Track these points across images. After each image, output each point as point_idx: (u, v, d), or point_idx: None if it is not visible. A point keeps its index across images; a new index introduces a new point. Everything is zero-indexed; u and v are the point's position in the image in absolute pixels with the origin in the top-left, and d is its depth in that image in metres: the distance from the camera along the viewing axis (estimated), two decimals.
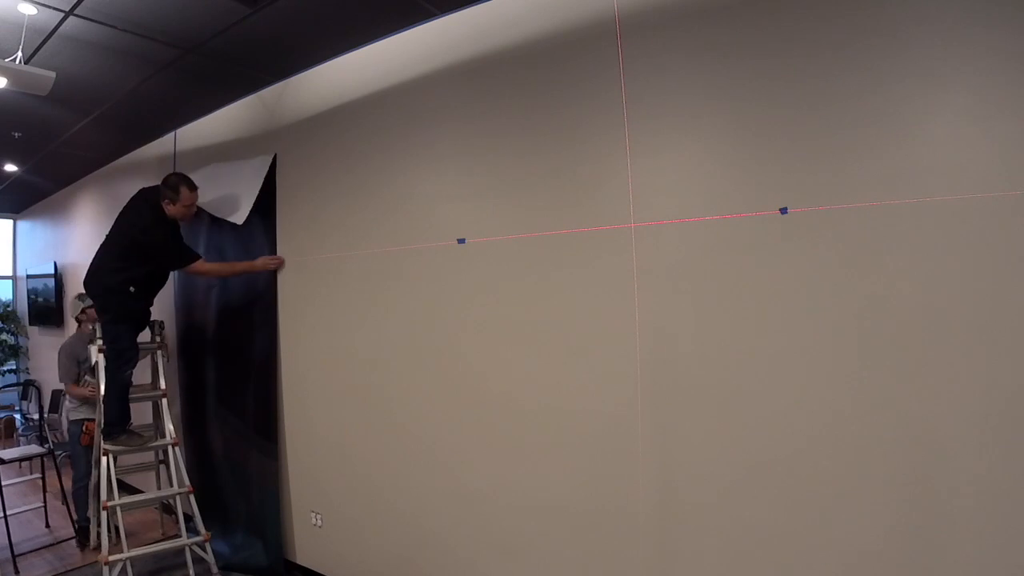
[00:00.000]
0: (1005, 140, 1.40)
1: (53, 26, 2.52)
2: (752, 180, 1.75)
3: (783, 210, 1.69)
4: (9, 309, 6.81)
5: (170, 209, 3.03)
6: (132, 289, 3.02)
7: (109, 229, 3.13)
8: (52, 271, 5.72)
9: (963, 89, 1.46)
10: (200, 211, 3.36)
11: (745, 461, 1.75)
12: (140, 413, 3.64)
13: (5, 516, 3.40)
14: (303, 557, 3.13)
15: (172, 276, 3.79)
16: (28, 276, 6.38)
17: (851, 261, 1.60)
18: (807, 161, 1.66)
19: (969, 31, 1.44)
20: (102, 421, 3.06)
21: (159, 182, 3.10)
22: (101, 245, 3.11)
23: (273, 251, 3.19)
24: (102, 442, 3.04)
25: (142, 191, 3.18)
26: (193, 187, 3.06)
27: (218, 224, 3.43)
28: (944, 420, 1.47)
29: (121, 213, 3.13)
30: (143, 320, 3.18)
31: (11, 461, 3.70)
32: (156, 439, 3.24)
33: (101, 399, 3.08)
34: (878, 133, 1.56)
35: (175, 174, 3.09)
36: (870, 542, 1.57)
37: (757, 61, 1.74)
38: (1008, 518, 1.39)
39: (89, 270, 3.09)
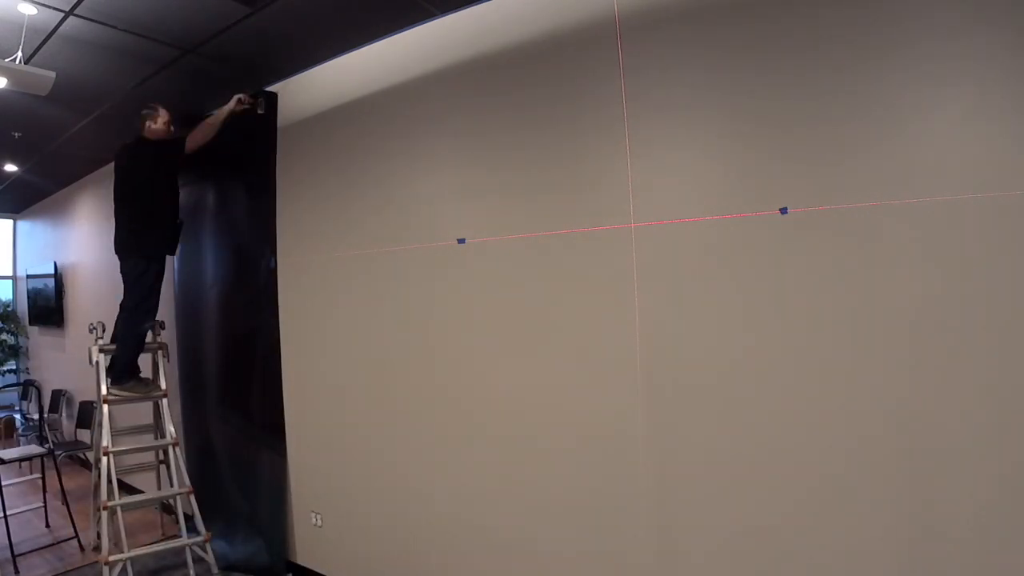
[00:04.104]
0: (1005, 140, 1.40)
1: (53, 26, 2.51)
2: (752, 180, 1.75)
3: (783, 210, 1.69)
4: (9, 309, 6.81)
5: (152, 129, 3.11)
6: (181, 221, 3.22)
7: (117, 192, 3.15)
8: (52, 271, 5.72)
9: (963, 89, 1.46)
10: (202, 200, 3.45)
11: (745, 460, 1.75)
12: (141, 413, 3.64)
13: (5, 516, 3.40)
14: (303, 557, 3.13)
15: (172, 275, 3.81)
16: (28, 276, 6.38)
17: (851, 261, 1.60)
18: (807, 161, 1.66)
19: (970, 31, 1.44)
20: (111, 372, 3.16)
21: None
22: (121, 211, 3.13)
23: (273, 248, 3.18)
24: (108, 388, 3.11)
25: (122, 148, 3.18)
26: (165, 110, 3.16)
27: (217, 217, 3.46)
28: (944, 419, 1.47)
29: (120, 171, 3.16)
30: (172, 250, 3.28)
31: (11, 461, 3.70)
32: (155, 391, 3.30)
33: (114, 349, 3.18)
34: (878, 133, 1.56)
35: (149, 105, 3.14)
36: (869, 541, 1.57)
37: (757, 60, 1.74)
38: (1009, 518, 1.39)
39: (118, 235, 3.12)
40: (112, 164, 3.28)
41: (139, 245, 3.10)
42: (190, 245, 3.71)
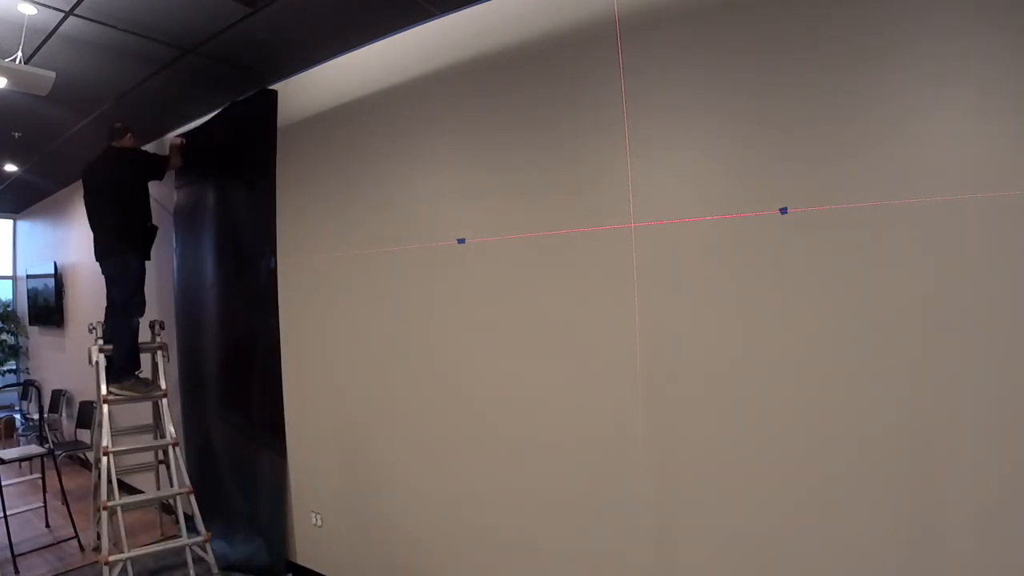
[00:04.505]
0: (1005, 140, 1.40)
1: (53, 26, 2.51)
2: (752, 180, 1.75)
3: (783, 210, 1.69)
4: (9, 309, 6.81)
5: (126, 141, 3.32)
6: (149, 224, 3.34)
7: (92, 203, 3.31)
8: (52, 271, 5.72)
9: (963, 88, 1.46)
10: (202, 200, 3.54)
11: (745, 460, 1.75)
12: (141, 413, 3.65)
13: (5, 516, 3.40)
14: (303, 557, 3.13)
15: (172, 275, 3.81)
16: (28, 276, 6.38)
17: (851, 261, 1.60)
18: (807, 161, 1.66)
19: (970, 31, 1.44)
20: (110, 371, 3.21)
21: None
22: (104, 215, 3.27)
23: (273, 248, 3.19)
24: (108, 386, 3.14)
25: (99, 158, 3.33)
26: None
27: (217, 217, 3.48)
28: (944, 420, 1.47)
29: (96, 183, 3.31)
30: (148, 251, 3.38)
31: (11, 461, 3.70)
32: (156, 391, 3.33)
33: (111, 349, 3.22)
34: (878, 133, 1.56)
35: (120, 117, 3.36)
36: (870, 541, 1.57)
37: (757, 60, 1.74)
38: (1010, 519, 1.39)
39: (100, 238, 3.26)
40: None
41: (121, 244, 3.21)
42: (190, 245, 3.72)
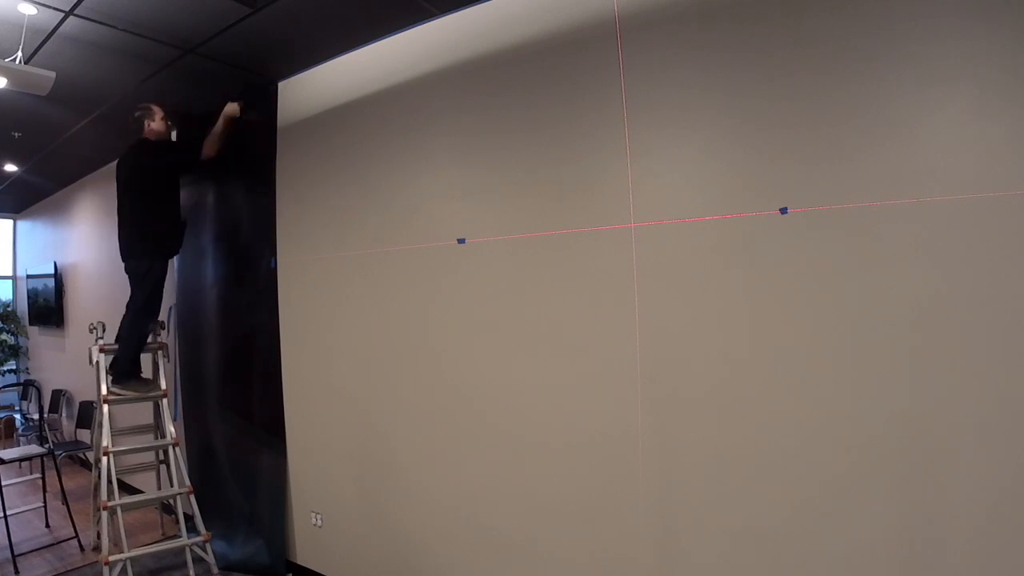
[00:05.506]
0: (1005, 140, 1.40)
1: (53, 26, 2.52)
2: (752, 180, 1.75)
3: (783, 210, 1.69)
4: (9, 309, 6.81)
5: (152, 129, 3.14)
6: (184, 220, 3.24)
7: (119, 199, 3.16)
8: (52, 271, 5.72)
9: (963, 88, 1.46)
10: (202, 200, 3.51)
11: (745, 461, 1.76)
12: (141, 413, 3.64)
13: (5, 516, 3.40)
14: (303, 557, 3.13)
15: (173, 275, 3.81)
16: (28, 276, 6.38)
17: (851, 261, 1.60)
18: (807, 161, 1.66)
19: (970, 31, 1.44)
20: (113, 371, 3.18)
21: None
22: (127, 212, 3.12)
23: (273, 248, 3.19)
24: (109, 385, 3.13)
25: (127, 151, 3.20)
26: (158, 106, 3.20)
27: (217, 217, 3.48)
28: (944, 420, 1.47)
29: (126, 173, 3.16)
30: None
31: (11, 461, 3.70)
32: (156, 390, 3.31)
33: (117, 349, 3.19)
34: (878, 133, 1.56)
35: (141, 106, 3.18)
36: (870, 543, 1.57)
37: (757, 60, 1.74)
38: (1008, 518, 1.39)
39: (124, 237, 3.13)
40: (110, 164, 3.30)
41: (143, 246, 3.12)
42: (191, 245, 3.71)
